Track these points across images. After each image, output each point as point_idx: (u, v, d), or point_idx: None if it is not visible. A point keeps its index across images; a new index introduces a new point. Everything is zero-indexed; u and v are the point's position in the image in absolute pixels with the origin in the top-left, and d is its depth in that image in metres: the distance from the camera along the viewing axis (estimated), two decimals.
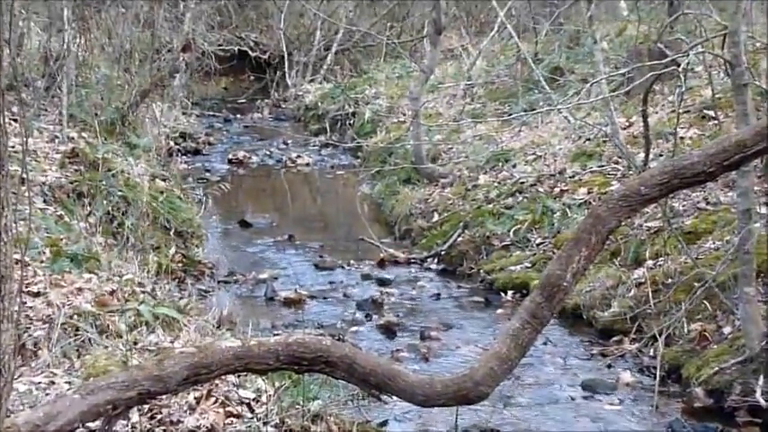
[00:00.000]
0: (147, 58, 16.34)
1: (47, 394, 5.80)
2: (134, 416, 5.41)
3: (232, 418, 5.72)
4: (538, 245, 11.52)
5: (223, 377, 5.65)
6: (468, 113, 16.65)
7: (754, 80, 8.82)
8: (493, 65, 19.17)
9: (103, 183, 11.38)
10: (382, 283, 11.22)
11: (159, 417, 5.64)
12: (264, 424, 5.67)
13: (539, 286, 5.35)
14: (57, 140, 12.63)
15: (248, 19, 26.41)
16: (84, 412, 4.82)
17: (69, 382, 6.03)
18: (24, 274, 5.70)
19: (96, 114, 13.93)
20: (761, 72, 11.53)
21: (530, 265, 11.07)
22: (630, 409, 7.98)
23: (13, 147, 7.48)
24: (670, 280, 9.42)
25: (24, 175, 7.40)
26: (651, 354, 8.66)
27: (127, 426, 5.32)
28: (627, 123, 13.32)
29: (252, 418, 5.75)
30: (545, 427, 7.71)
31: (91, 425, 4.99)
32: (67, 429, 4.81)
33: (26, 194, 7.65)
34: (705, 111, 12.54)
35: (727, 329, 8.46)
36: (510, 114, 14.87)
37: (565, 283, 5.25)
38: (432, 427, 7.36)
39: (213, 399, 5.86)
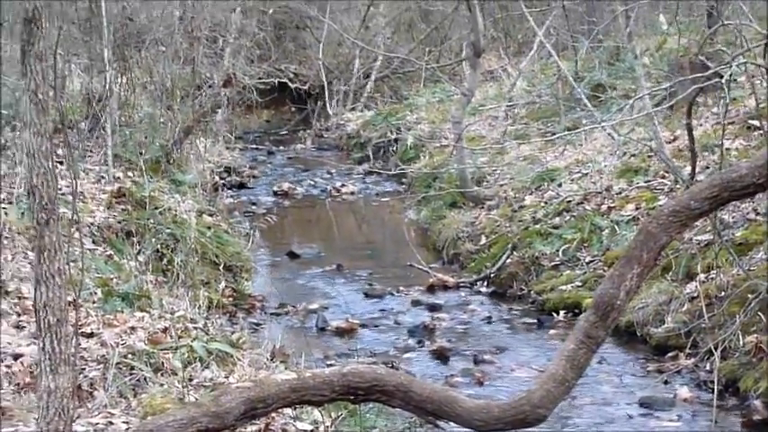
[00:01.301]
0: (189, 94, 16.41)
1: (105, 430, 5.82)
2: None
3: None
4: (588, 263, 11.48)
5: (280, 410, 5.65)
6: (511, 135, 16.66)
7: None
8: (533, 85, 19.12)
9: (151, 221, 11.45)
10: (433, 308, 11.22)
11: None
12: None
13: (592, 305, 5.33)
14: (103, 181, 12.73)
15: (287, 51, 26.51)
16: None
17: (127, 422, 6.04)
18: (77, 315, 5.73)
19: (141, 153, 14.01)
20: None
21: (581, 284, 11.03)
22: (689, 425, 7.94)
23: (60, 189, 7.54)
24: (723, 293, 9.37)
25: (74, 217, 7.46)
26: (708, 368, 8.61)
27: None
28: (672, 137, 13.26)
29: None
30: None
31: None
32: None
33: (76, 236, 7.69)
34: (750, 121, 12.47)
35: None
36: (553, 134, 14.85)
37: (618, 302, 5.24)
38: None
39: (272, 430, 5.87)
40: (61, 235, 4.37)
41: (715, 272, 9.85)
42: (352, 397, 5.35)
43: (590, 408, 8.29)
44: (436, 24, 25.61)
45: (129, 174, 13.19)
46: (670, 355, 9.27)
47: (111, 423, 6.07)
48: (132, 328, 8.05)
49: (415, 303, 11.43)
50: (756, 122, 12.09)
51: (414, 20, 27.04)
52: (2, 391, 6.61)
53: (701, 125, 12.93)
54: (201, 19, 17.11)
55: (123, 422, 6.06)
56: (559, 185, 13.71)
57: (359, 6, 26.02)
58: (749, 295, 8.91)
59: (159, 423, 4.95)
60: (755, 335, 8.64)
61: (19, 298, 8.30)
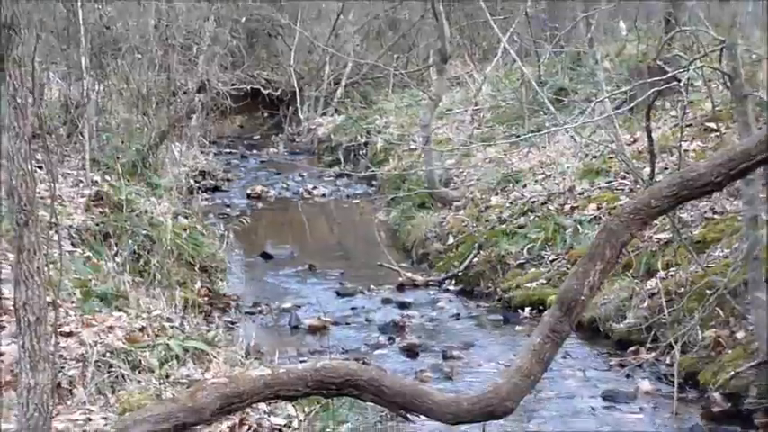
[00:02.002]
0: (164, 100, 16.37)
1: (84, 425, 5.79)
2: None
3: None
4: (552, 261, 11.51)
5: (254, 405, 5.63)
6: (477, 138, 16.65)
7: (754, 91, 8.80)
8: (498, 89, 19.15)
9: (128, 223, 11.40)
10: (402, 306, 11.23)
11: None
12: None
13: (557, 301, 5.34)
14: (81, 184, 12.66)
15: (259, 58, 26.47)
16: None
17: (105, 418, 6.01)
18: (57, 315, 5.71)
19: (118, 158, 13.96)
20: (759, 83, 11.53)
21: (545, 282, 11.07)
22: (651, 417, 7.98)
23: (39, 192, 7.51)
24: (682, 289, 9.41)
25: (53, 220, 7.43)
26: (668, 362, 8.66)
27: None
28: (632, 139, 13.31)
29: None
30: None
31: None
32: None
33: (55, 238, 7.65)
34: (707, 123, 12.52)
35: (740, 334, 8.45)
36: (518, 136, 14.87)
37: (582, 297, 5.24)
38: None
39: (246, 426, 5.85)
40: (40, 236, 4.34)
41: (674, 269, 9.92)
42: (324, 392, 5.33)
43: (555, 401, 8.31)
44: (404, 32, 25.71)
45: (107, 178, 13.12)
46: (631, 349, 9.32)
47: (89, 419, 6.04)
48: (110, 328, 8.01)
49: (386, 301, 11.43)
50: (713, 125, 12.16)
51: (382, 28, 27.12)
52: None
53: (659, 128, 12.98)
54: (176, 27, 17.06)
55: (102, 418, 6.03)
56: (524, 186, 13.74)
57: (329, 15, 26.00)
58: (707, 291, 8.95)
59: (137, 418, 4.93)
60: (714, 329, 8.70)
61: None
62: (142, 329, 8.00)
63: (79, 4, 14.05)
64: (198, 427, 5.33)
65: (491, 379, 6.52)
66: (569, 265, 10.70)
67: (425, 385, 6.44)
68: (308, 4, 25.99)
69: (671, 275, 9.84)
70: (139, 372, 7.04)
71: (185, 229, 12.45)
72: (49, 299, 4.48)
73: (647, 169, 10.66)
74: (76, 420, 6.01)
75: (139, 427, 4.86)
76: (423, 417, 5.54)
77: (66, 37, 14.62)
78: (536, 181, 13.76)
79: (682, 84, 10.16)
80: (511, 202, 13.38)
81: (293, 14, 25.42)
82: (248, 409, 5.78)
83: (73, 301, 8.46)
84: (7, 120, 4.26)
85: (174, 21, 16.99)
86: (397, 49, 25.67)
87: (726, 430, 7.65)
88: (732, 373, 8.01)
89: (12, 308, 6.03)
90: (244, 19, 23.97)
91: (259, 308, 11.21)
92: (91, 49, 14.62)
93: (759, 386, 7.81)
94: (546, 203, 12.84)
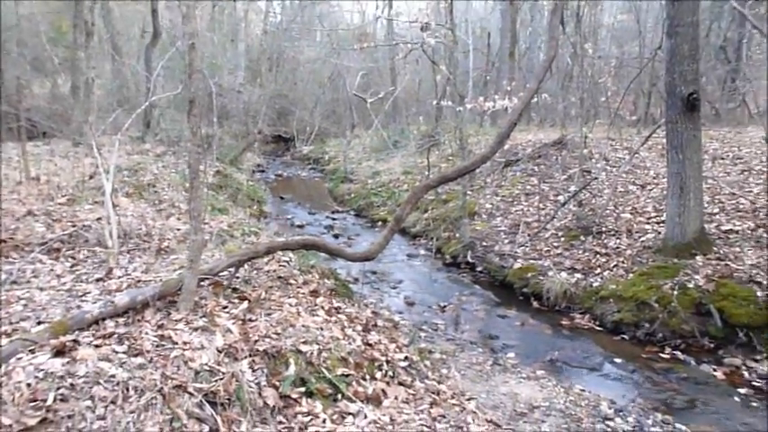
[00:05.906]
0: (245, 136, 16.02)
1: (212, 257, 5.73)
2: (246, 266, 5.38)
3: (281, 266, 5.73)
4: (390, 205, 11.61)
5: (278, 252, 5.65)
6: (365, 156, 16.67)
7: (468, 147, 9.00)
8: (373, 139, 19.08)
9: (229, 183, 11.18)
10: (333, 219, 11.23)
11: (255, 265, 5.61)
12: (293, 269, 5.68)
13: (392, 219, 5.44)
14: (211, 167, 12.35)
15: (283, 121, 25.72)
16: (228, 264, 4.80)
17: (220, 254, 5.96)
18: (203, 215, 5.64)
19: (225, 157, 13.65)
20: (471, 143, 11.73)
21: (388, 212, 11.14)
22: (424, 263, 8.19)
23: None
24: (438, 217, 9.62)
25: (201, 179, 7.28)
26: (431, 244, 8.88)
27: (243, 269, 5.28)
28: (422, 162, 13.44)
29: (289, 266, 5.76)
30: (395, 269, 7.89)
31: (230, 270, 4.96)
32: (221, 271, 4.79)
33: (203, 188, 7.47)
34: (449, 158, 12.73)
35: (458, 235, 8.70)
36: (379, 157, 14.91)
37: (403, 217, 5.36)
38: (353, 270, 7.46)
39: (275, 259, 5.86)
40: (198, 184, 4.28)
41: (435, 209, 10.11)
42: (305, 248, 5.38)
43: (389, 256, 8.45)
44: (339, 114, 25.37)
45: (222, 165, 12.82)
46: (418, 238, 9.50)
47: (213, 255, 5.97)
48: (221, 221, 7.88)
49: (327, 217, 11.39)
50: (452, 159, 12.36)
51: (330, 111, 26.69)
52: (169, 240, 6.43)
53: (432, 158, 13.17)
54: (251, 107, 16.66)
55: (219, 253, 5.97)
56: (381, 177, 13.79)
57: (310, 107, 25.50)
58: (446, 218, 9.17)
59: (234, 254, 4.92)
60: (447, 233, 8.93)
61: (178, 208, 8.05)
62: (234, 223, 7.88)
63: (214, 96, 13.62)
64: (257, 259, 5.34)
65: (366, 246, 6.63)
66: (397, 206, 10.81)
67: (344, 246, 6.52)
68: (301, 100, 25.34)
69: (433, 211, 10.04)
70: (232, 237, 6.97)
71: (251, 185, 12.25)
72: (201, 208, 4.43)
73: (427, 173, 10.84)
74: (208, 255, 5.94)
75: (234, 258, 4.85)
76: (342, 259, 5.64)
77: (210, 106, 14.19)
78: (386, 175, 13.78)
79: (442, 141, 10.35)
80: (376, 182, 13.41)
81: (296, 104, 24.85)
82: (274, 254, 5.79)
83: (208, 210, 8.31)
84: (188, 137, 4.18)
85: (251, 104, 16.59)
86: (336, 120, 25.34)
87: (451, 269, 7.91)
88: (454, 248, 8.28)
89: (184, 212, 5.88)
90: (278, 106, 23.40)
91: (278, 217, 11.11)
92: (217, 114, 14.19)
93: (463, 254, 8.10)
94: (389, 183, 12.90)
